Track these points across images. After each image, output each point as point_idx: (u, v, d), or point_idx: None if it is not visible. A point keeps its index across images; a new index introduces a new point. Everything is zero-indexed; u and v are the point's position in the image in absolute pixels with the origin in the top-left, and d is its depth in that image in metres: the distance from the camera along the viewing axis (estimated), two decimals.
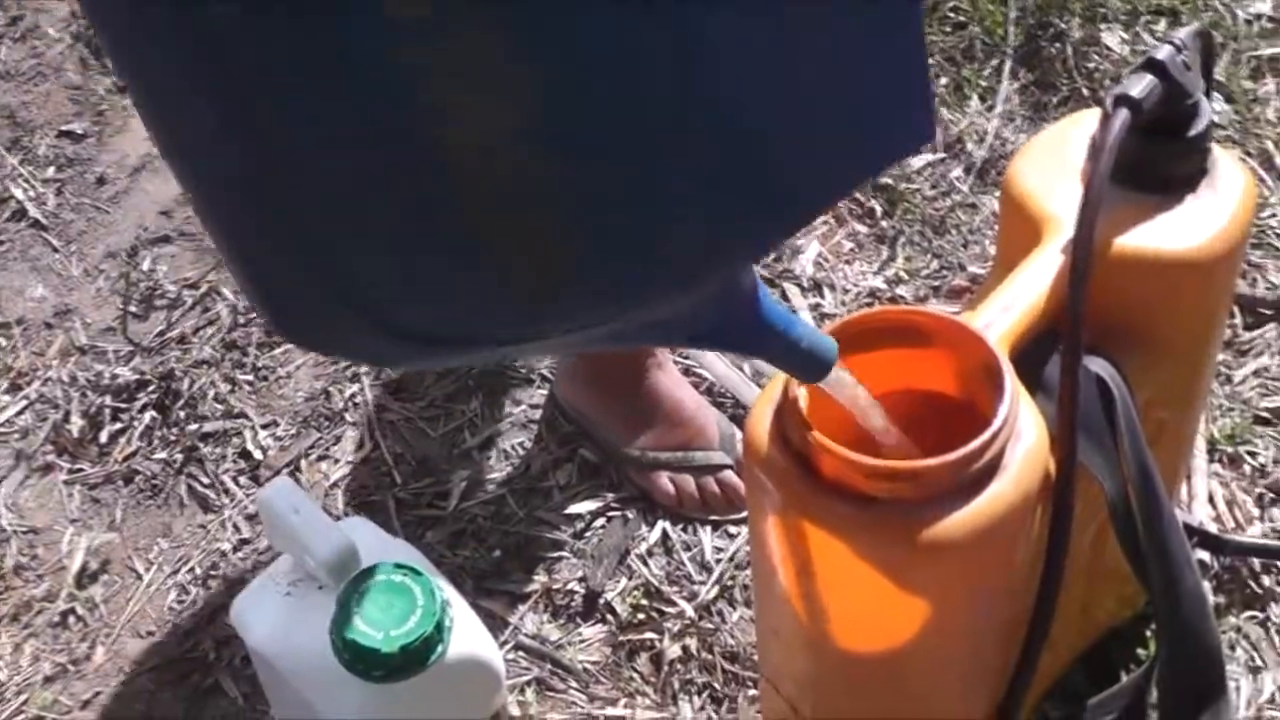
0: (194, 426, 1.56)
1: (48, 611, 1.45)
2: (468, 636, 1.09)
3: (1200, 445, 1.48)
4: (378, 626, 1.03)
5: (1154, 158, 1.00)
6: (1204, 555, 1.39)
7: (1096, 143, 0.97)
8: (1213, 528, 1.41)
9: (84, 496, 1.53)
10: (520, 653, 1.37)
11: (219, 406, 1.58)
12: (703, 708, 1.32)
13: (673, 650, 1.36)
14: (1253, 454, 1.48)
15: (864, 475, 0.84)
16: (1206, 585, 1.36)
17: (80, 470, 1.56)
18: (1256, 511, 1.44)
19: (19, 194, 1.85)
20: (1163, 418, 1.08)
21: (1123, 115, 0.95)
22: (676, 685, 1.34)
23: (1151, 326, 1.02)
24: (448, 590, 1.10)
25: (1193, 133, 1.00)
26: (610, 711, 1.33)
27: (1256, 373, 1.55)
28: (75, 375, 1.64)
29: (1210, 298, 1.04)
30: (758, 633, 1.14)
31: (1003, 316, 0.96)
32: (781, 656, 1.05)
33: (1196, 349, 1.07)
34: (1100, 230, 0.98)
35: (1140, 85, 0.96)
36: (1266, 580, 1.38)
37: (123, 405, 1.60)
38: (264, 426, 1.56)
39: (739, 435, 1.46)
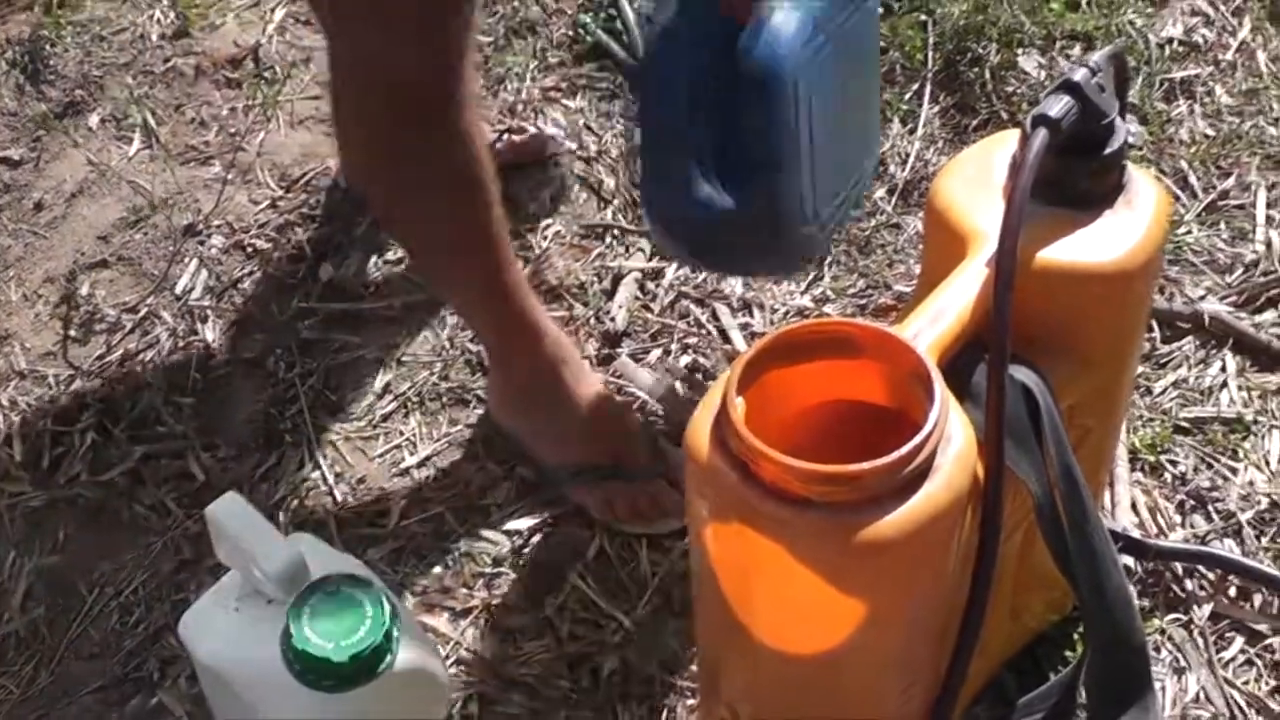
0: (136, 449, 1.57)
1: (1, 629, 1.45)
2: (414, 647, 1.12)
3: (1123, 454, 1.52)
4: (328, 637, 1.05)
5: (1072, 174, 1.05)
6: (1129, 560, 1.43)
7: (1017, 160, 1.01)
8: (1136, 534, 1.45)
9: (26, 520, 1.54)
10: (463, 667, 1.39)
11: (160, 429, 1.59)
12: (643, 718, 1.35)
13: (612, 662, 1.38)
14: (1173, 462, 1.52)
15: (800, 479, 0.88)
16: (1131, 588, 1.41)
17: (21, 494, 1.56)
18: (1178, 518, 1.49)
19: None
20: (1087, 424, 1.12)
21: (1041, 134, 0.99)
22: (616, 696, 1.36)
23: (1073, 336, 1.06)
24: (396, 604, 1.12)
25: (1108, 151, 1.05)
26: None
27: (1175, 384, 1.60)
28: (15, 400, 1.64)
29: (1128, 308, 1.09)
30: (697, 639, 1.17)
31: (930, 327, 0.99)
32: (722, 660, 1.09)
33: (1116, 358, 1.12)
34: (1022, 244, 1.02)
35: (1058, 106, 1.00)
36: (1189, 584, 1.42)
37: (64, 429, 1.60)
38: (205, 448, 1.57)
39: (667, 446, 1.50)
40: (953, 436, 0.92)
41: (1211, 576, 1.43)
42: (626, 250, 1.75)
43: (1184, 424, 1.55)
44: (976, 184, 1.08)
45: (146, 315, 1.71)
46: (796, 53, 1.08)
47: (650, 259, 1.73)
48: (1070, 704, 1.21)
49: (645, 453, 1.48)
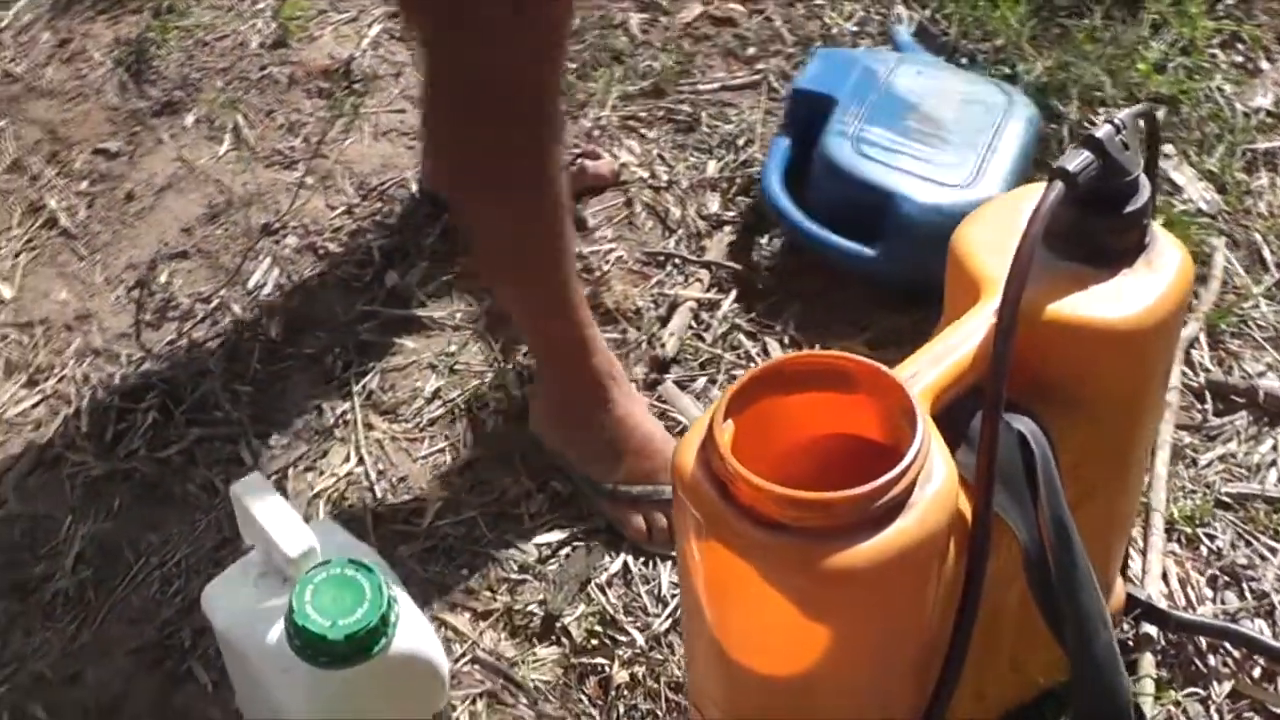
0: (193, 431, 1.64)
1: (42, 591, 1.52)
2: (413, 635, 1.15)
3: (1159, 524, 1.51)
4: (327, 615, 1.09)
5: (1092, 230, 1.06)
6: (1150, 629, 1.42)
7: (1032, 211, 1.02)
8: (1163, 604, 1.45)
9: (86, 488, 1.61)
10: (476, 666, 1.43)
11: (217, 414, 1.66)
12: None
13: (621, 676, 1.41)
14: (1210, 536, 1.51)
15: (774, 502, 0.90)
16: (1150, 658, 1.40)
17: (84, 464, 1.63)
18: (1209, 593, 1.47)
19: (53, 204, 1.95)
20: (1092, 482, 1.13)
21: (1057, 188, 1.01)
22: (621, 710, 1.39)
23: (1080, 391, 1.07)
24: (398, 591, 1.16)
25: (1130, 209, 1.05)
26: None
27: (1222, 458, 1.58)
28: (88, 375, 1.72)
29: (1139, 368, 1.09)
30: (685, 654, 1.19)
31: (930, 368, 1.01)
32: (702, 677, 1.11)
33: (1126, 417, 1.12)
34: (1035, 296, 1.04)
35: (1077, 160, 1.02)
36: (1212, 660, 1.41)
37: (129, 406, 1.68)
38: (257, 435, 1.64)
39: None
40: (934, 475, 0.94)
41: (1236, 655, 1.41)
42: (685, 280, 1.78)
43: (1226, 499, 1.54)
44: (998, 232, 1.09)
45: (218, 306, 1.78)
46: None
47: (708, 290, 1.77)
48: None
49: None
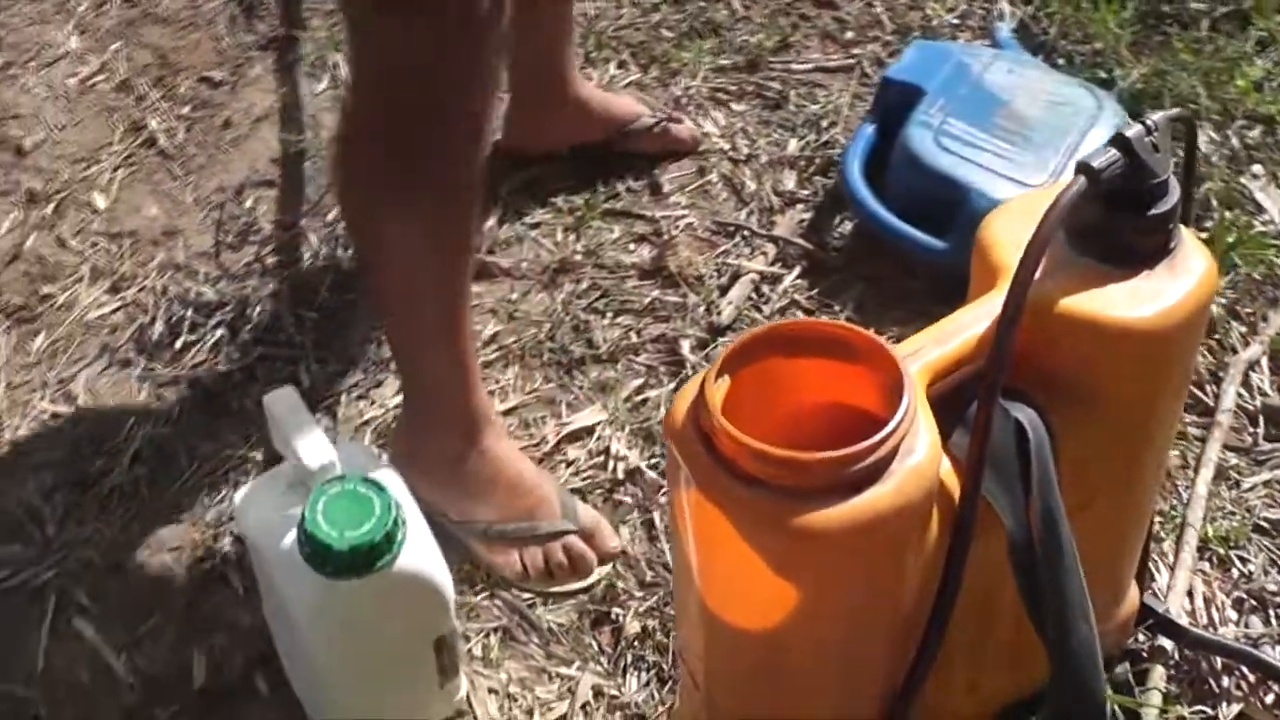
0: (256, 349, 1.71)
1: (100, 484, 1.60)
2: (419, 556, 1.20)
3: (1191, 541, 1.51)
4: (336, 526, 1.14)
5: (1116, 229, 1.06)
6: (1166, 643, 1.42)
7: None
8: (1184, 620, 1.44)
9: (150, 392, 1.69)
10: (496, 601, 1.47)
11: (281, 336, 1.72)
12: (647, 684, 1.41)
13: (633, 627, 1.44)
14: (1243, 560, 1.50)
15: (752, 457, 0.93)
16: (1161, 671, 1.39)
17: (152, 369, 1.71)
18: (1234, 615, 1.46)
19: (154, 124, 2.04)
20: (1096, 484, 1.13)
21: (1079, 182, 1.02)
22: (629, 659, 1.43)
23: (1088, 389, 1.08)
24: (411, 513, 1.21)
25: (1155, 211, 1.05)
26: (563, 670, 1.42)
27: (1267, 483, 1.57)
28: (166, 287, 1.80)
29: (1149, 371, 1.09)
30: (675, 605, 1.22)
31: (933, 347, 1.03)
32: (684, 626, 1.14)
33: (1134, 420, 1.12)
34: (1051, 289, 1.05)
35: (1103, 158, 1.02)
36: (1225, 681, 1.40)
37: (200, 320, 1.75)
38: (317, 360, 1.70)
39: (577, 503, 1.50)
40: (916, 449, 0.96)
41: (1251, 679, 1.40)
42: (751, 252, 1.81)
43: (1264, 524, 1.53)
44: (1024, 225, 1.09)
45: (297, 234, 1.85)
46: None
47: (772, 264, 1.79)
48: None
49: (557, 508, 1.48)
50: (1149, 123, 1.05)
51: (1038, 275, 1.05)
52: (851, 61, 2.06)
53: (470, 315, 1.45)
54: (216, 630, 1.45)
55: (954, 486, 1.03)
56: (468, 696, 1.39)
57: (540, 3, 1.67)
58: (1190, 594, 1.47)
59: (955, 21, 2.10)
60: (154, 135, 2.02)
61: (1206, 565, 1.50)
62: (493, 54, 1.26)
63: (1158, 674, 1.40)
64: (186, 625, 1.46)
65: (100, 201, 1.93)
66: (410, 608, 1.22)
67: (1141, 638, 1.42)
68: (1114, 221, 1.06)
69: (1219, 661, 1.42)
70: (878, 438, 0.93)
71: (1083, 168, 1.02)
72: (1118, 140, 1.03)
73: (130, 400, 1.68)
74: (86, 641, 1.46)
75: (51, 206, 1.93)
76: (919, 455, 0.96)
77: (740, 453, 0.93)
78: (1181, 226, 1.10)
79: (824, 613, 1.00)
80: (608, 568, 1.50)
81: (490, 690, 1.40)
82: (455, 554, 1.45)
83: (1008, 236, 1.11)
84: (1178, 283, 1.07)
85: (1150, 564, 1.47)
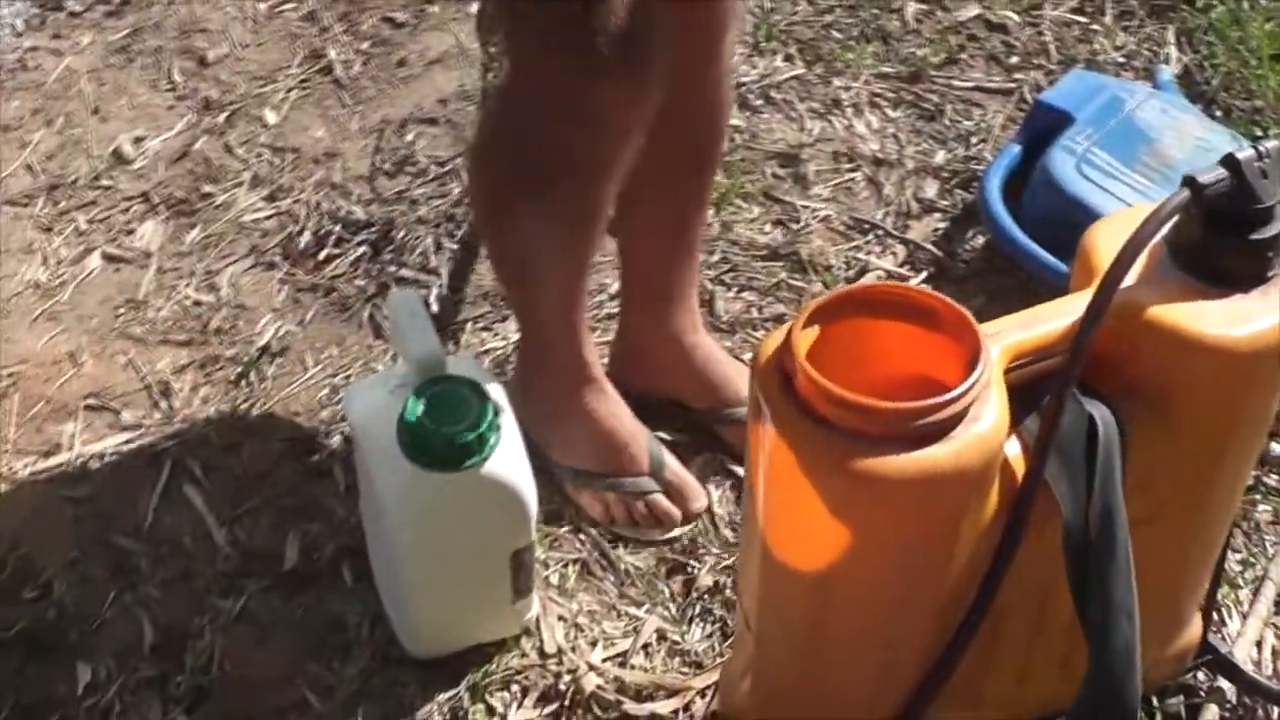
0: (392, 269, 1.80)
1: (227, 369, 1.71)
2: (509, 466, 1.26)
3: (1269, 594, 1.51)
4: (433, 420, 1.21)
5: (1215, 249, 1.09)
6: (1225, 685, 1.43)
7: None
8: (1247, 667, 1.44)
9: (288, 294, 1.79)
10: (579, 535, 1.54)
11: (419, 260, 1.81)
12: (710, 635, 1.46)
13: (706, 580, 1.50)
14: None
15: (825, 398, 0.98)
16: (1215, 710, 1.40)
17: (293, 274, 1.82)
18: None
19: (333, 54, 2.15)
20: (1165, 497, 1.15)
21: (1182, 194, 1.05)
22: (697, 610, 1.48)
23: (1166, 399, 1.10)
24: (507, 426, 1.27)
25: (1257, 236, 1.07)
26: (632, 610, 1.48)
27: None
28: (319, 202, 1.91)
29: (1228, 390, 1.11)
30: (740, 540, 1.26)
31: (1016, 330, 1.07)
32: (745, 568, 1.19)
33: (1209, 438, 1.14)
34: (1142, 297, 1.08)
35: (1210, 175, 1.05)
36: None
37: (346, 236, 1.85)
38: (450, 289, 1.79)
39: (668, 460, 1.55)
40: (983, 419, 0.99)
41: None
42: (882, 250, 1.85)
43: None
44: (1126, 233, 1.12)
45: (450, 170, 1.94)
46: None
47: (900, 265, 1.83)
48: None
49: (645, 466, 1.53)
50: (1262, 148, 1.07)
51: (1132, 282, 1.09)
52: (1012, 86, 2.08)
53: (587, 285, 1.50)
54: (313, 519, 1.54)
55: (1020, 470, 1.07)
56: (537, 620, 1.45)
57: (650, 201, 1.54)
58: (1259, 644, 1.47)
59: (1121, 60, 2.11)
60: (331, 64, 2.13)
61: None
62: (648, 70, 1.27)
63: (1211, 713, 1.41)
64: (286, 510, 1.55)
65: (271, 117, 2.04)
66: (493, 513, 1.28)
67: (1201, 677, 1.43)
68: (1215, 241, 1.09)
69: (1276, 712, 1.42)
70: (945, 398, 0.97)
71: (1188, 181, 1.05)
72: (1228, 160, 1.06)
73: (268, 299, 1.79)
74: (193, 509, 1.55)
75: (224, 116, 2.05)
76: (984, 425, 1.00)
77: (815, 393, 0.98)
78: None
79: (874, 560, 1.04)
80: (690, 526, 1.54)
81: (560, 618, 1.46)
82: (549, 489, 1.52)
83: (1108, 243, 1.14)
84: (1270, 310, 1.09)
85: (1222, 608, 1.48)
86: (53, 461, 1.61)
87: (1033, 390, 1.08)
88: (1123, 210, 1.20)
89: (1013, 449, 1.07)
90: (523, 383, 1.57)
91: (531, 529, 1.33)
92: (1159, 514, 1.16)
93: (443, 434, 1.20)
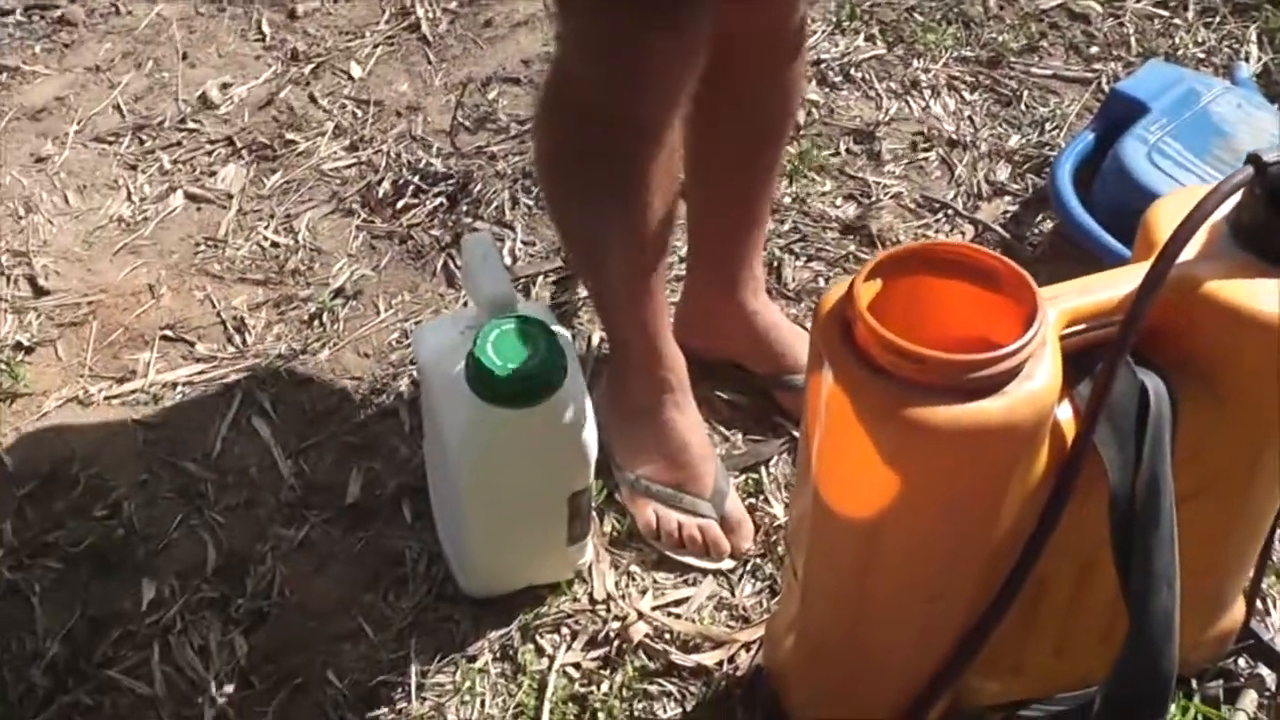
0: (468, 220, 1.83)
1: (301, 309, 1.75)
2: (572, 408, 1.29)
3: None
4: (501, 356, 1.24)
5: (1276, 229, 1.10)
6: (1267, 673, 1.43)
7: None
8: None
9: (364, 240, 1.84)
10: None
11: (495, 213, 1.85)
12: (759, 592, 1.49)
13: (758, 539, 1.52)
14: None
15: (881, 345, 1.00)
16: (1254, 696, 1.41)
17: (371, 221, 1.86)
18: None
19: (420, 12, 2.20)
20: (1213, 469, 1.16)
21: (1245, 170, 1.06)
22: (749, 567, 1.50)
23: (1220, 374, 1.11)
24: (573, 371, 1.30)
25: None
26: (685, 560, 1.50)
27: None
28: (399, 154, 1.95)
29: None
30: (791, 496, 1.29)
31: (1075, 295, 1.08)
32: (796, 519, 1.21)
33: (1261, 418, 1.14)
34: (1201, 272, 1.10)
35: (1276, 154, 1.06)
36: None
37: (424, 187, 1.89)
38: (524, 242, 1.82)
39: (732, 493, 1.53)
40: (1036, 377, 1.01)
41: None
42: (950, 229, 1.86)
43: None
44: (1187, 210, 1.13)
45: (529, 130, 1.96)
46: None
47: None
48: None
49: (707, 491, 1.52)
50: None
51: (1192, 257, 1.11)
52: (1091, 75, 2.09)
53: (659, 299, 1.48)
54: (377, 456, 1.58)
55: (1070, 434, 1.08)
56: (590, 567, 1.48)
57: (724, 183, 1.58)
58: None
59: (1201, 55, 2.11)
60: (418, 21, 2.17)
61: None
62: (646, 88, 1.28)
63: (1249, 698, 1.42)
64: (350, 446, 1.59)
65: (356, 71, 2.09)
66: (553, 453, 1.31)
67: (1242, 664, 1.44)
68: (1277, 221, 1.10)
69: None
70: (999, 353, 0.99)
71: (1253, 159, 1.07)
72: None
73: (344, 244, 1.83)
74: (260, 440, 1.60)
75: (310, 67, 2.10)
76: (1037, 383, 1.02)
77: (873, 342, 1.00)
78: None
79: (922, 510, 1.06)
80: (731, 564, 1.51)
81: (613, 565, 1.49)
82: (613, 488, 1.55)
83: (1169, 219, 1.14)
84: None
85: (1267, 597, 1.49)
86: (127, 387, 1.66)
87: (1088, 357, 1.09)
88: (1186, 188, 1.20)
89: (1065, 413, 1.09)
90: (609, 380, 1.58)
91: (590, 473, 1.36)
92: (1206, 489, 1.17)
93: (510, 371, 1.23)
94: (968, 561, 1.12)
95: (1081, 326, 1.09)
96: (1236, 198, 1.12)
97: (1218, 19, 2.18)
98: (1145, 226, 1.17)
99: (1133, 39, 2.15)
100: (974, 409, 1.00)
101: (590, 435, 1.33)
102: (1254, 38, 2.13)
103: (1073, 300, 1.08)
